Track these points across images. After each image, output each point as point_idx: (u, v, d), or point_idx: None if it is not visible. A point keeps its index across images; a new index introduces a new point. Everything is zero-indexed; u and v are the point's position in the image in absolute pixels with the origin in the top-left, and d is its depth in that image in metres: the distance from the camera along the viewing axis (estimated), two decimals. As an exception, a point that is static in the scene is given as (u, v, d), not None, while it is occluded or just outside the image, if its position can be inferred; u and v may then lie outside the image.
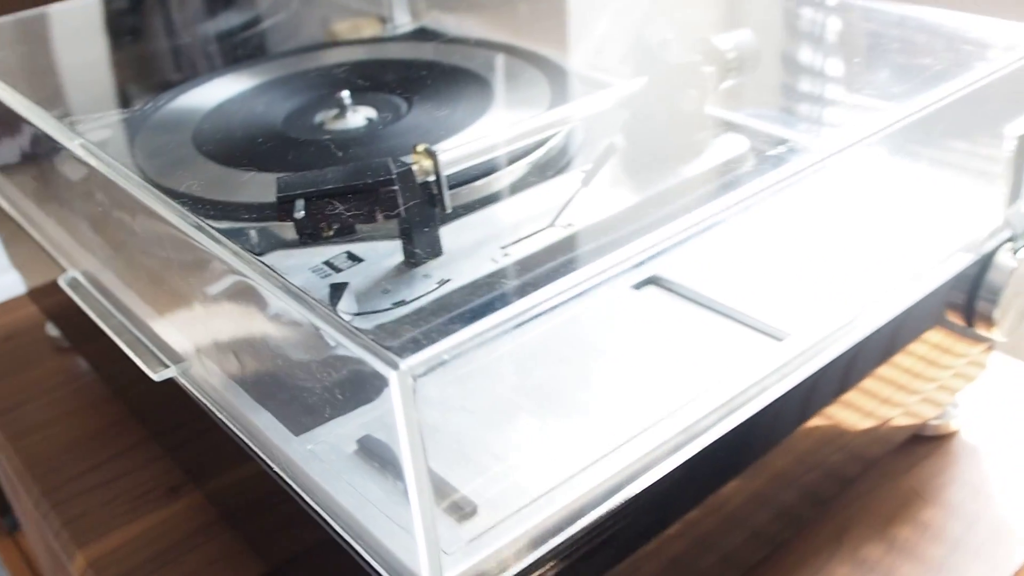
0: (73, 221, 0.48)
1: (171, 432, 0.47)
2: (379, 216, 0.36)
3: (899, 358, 0.41)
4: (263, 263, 0.28)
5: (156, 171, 0.47)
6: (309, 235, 0.36)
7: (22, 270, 0.59)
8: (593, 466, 0.30)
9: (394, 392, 0.22)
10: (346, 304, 0.36)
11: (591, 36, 0.71)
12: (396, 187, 0.36)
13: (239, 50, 0.67)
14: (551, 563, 0.28)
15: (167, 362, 0.37)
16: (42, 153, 0.53)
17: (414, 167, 0.37)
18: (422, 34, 0.69)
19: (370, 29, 0.82)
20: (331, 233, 0.36)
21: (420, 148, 0.37)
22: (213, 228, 0.30)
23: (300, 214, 0.35)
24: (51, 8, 0.64)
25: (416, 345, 0.23)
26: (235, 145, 0.49)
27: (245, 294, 0.37)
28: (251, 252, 0.39)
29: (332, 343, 0.25)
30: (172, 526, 0.46)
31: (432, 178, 0.37)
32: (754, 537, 0.39)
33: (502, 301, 0.32)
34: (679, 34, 0.47)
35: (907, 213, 0.43)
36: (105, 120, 0.57)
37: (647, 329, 0.37)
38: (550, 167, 0.46)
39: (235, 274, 0.30)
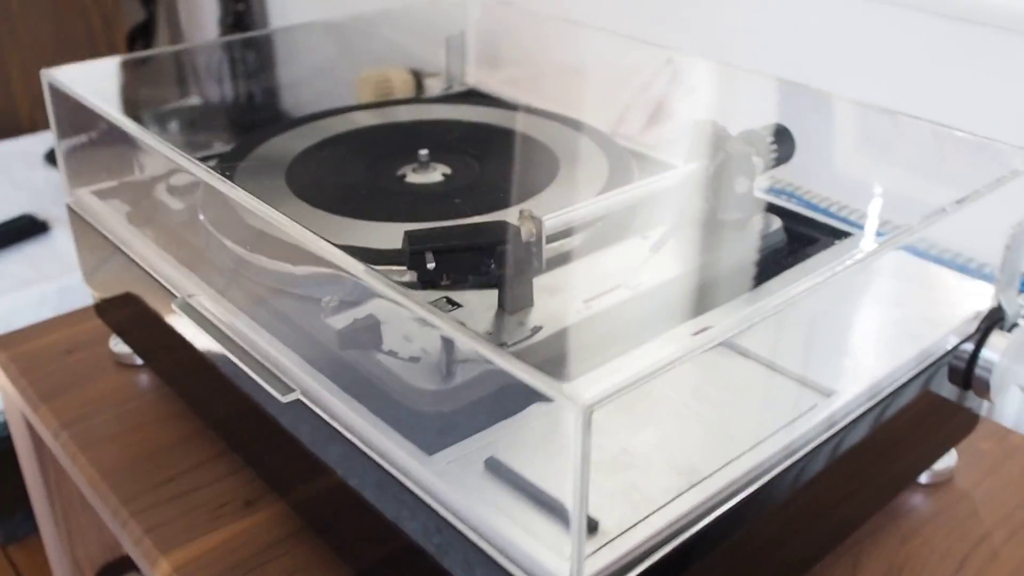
0: (175, 248, 0.53)
1: (252, 445, 0.51)
2: (493, 270, 0.42)
3: (909, 415, 0.47)
4: (431, 306, 0.34)
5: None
6: (430, 283, 0.41)
7: (93, 284, 0.63)
8: (676, 501, 0.36)
9: (574, 423, 0.28)
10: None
11: (615, 105, 0.78)
12: (509, 247, 0.41)
13: (301, 101, 0.73)
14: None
15: (293, 386, 0.42)
16: (145, 185, 0.57)
17: (522, 229, 0.43)
18: (474, 95, 0.75)
19: (399, 79, 0.88)
20: (448, 282, 0.42)
21: (526, 213, 0.43)
22: (375, 268, 0.36)
23: (431, 265, 0.40)
24: (150, 53, 0.68)
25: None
26: (327, 190, 0.55)
27: (372, 329, 0.42)
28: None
29: (509, 375, 0.31)
30: (250, 538, 0.50)
31: (533, 239, 0.43)
32: (793, 555, 0.45)
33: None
34: (726, 124, 0.54)
35: (920, 291, 0.50)
36: (200, 155, 0.62)
37: (716, 381, 0.43)
38: (612, 234, 0.52)
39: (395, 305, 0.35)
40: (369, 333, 0.42)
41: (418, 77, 0.87)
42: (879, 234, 0.56)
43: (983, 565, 0.49)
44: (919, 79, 0.91)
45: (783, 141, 0.53)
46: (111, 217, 0.57)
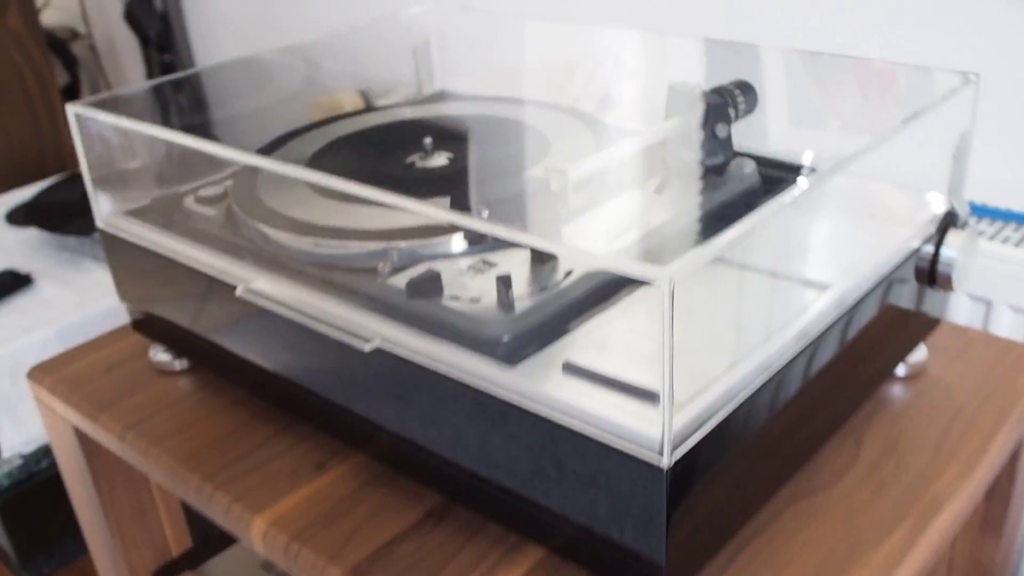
0: (217, 248, 0.58)
1: (326, 409, 0.56)
2: (529, 220, 0.48)
3: (886, 313, 0.55)
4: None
5: (283, 206, 0.58)
6: (480, 237, 0.48)
7: (130, 300, 0.67)
8: (726, 374, 0.43)
9: (663, 292, 0.35)
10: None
11: (567, 94, 0.86)
12: (541, 196, 0.48)
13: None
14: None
15: (369, 337, 0.48)
16: (175, 198, 0.63)
17: (551, 182, 0.50)
18: (444, 95, 0.81)
19: (349, 102, 0.94)
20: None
21: (551, 167, 0.50)
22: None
23: (486, 213, 0.47)
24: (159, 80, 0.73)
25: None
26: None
27: (434, 279, 0.48)
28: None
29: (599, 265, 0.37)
30: (330, 492, 0.56)
31: (560, 189, 0.50)
32: (810, 435, 0.52)
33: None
34: (697, 84, 0.62)
35: (886, 200, 0.58)
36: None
37: (729, 289, 0.50)
38: (608, 189, 0.60)
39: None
40: (432, 283, 0.49)
41: (367, 98, 0.94)
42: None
43: (964, 429, 0.57)
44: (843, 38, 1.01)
45: (747, 93, 0.61)
46: (147, 232, 0.62)
